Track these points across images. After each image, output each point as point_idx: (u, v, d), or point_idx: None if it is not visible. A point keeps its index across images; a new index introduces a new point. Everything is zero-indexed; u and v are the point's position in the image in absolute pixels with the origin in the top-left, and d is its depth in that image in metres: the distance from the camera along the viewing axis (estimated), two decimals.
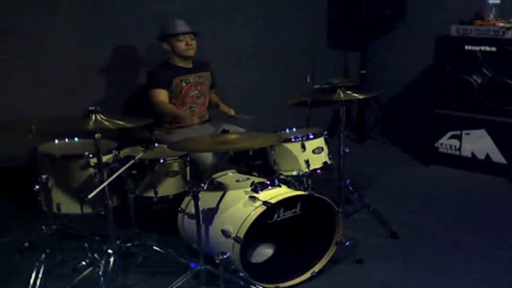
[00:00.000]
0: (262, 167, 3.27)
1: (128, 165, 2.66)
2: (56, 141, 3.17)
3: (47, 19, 3.75)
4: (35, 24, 3.71)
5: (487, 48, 4.21)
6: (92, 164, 2.79)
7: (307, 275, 2.85)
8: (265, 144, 3.08)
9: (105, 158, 2.77)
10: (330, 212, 2.87)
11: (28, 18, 3.67)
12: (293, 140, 3.28)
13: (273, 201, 2.67)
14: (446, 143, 4.58)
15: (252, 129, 3.43)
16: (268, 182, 2.87)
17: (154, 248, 2.99)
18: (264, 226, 2.67)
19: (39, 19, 3.72)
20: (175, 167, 3.10)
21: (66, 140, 3.20)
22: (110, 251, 2.74)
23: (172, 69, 3.67)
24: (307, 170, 3.28)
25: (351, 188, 3.55)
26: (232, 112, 3.78)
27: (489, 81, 4.28)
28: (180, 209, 3.02)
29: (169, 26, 3.62)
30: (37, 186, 2.89)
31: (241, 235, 2.59)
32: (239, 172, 3.20)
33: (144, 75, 3.84)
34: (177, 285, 2.63)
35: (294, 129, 3.51)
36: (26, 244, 3.11)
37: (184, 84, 3.67)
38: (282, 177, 3.18)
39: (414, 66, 5.08)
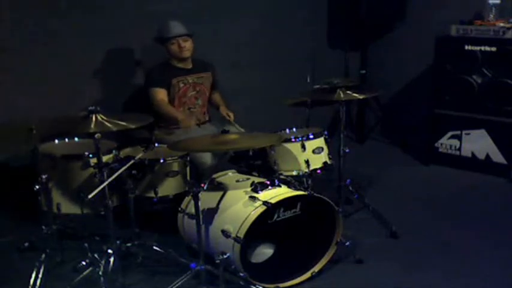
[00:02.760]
0: (262, 167, 3.27)
1: (128, 165, 2.66)
2: (56, 141, 3.18)
3: (47, 19, 3.75)
4: (35, 24, 3.71)
5: (487, 48, 4.21)
6: (92, 164, 2.79)
7: (307, 275, 2.84)
8: (265, 144, 3.08)
9: (105, 158, 2.76)
10: (330, 212, 2.87)
11: (28, 18, 3.67)
12: (293, 140, 3.28)
13: (273, 201, 2.67)
14: (446, 143, 4.57)
15: (252, 129, 3.43)
16: (268, 182, 2.87)
17: (154, 248, 2.99)
18: (264, 226, 2.67)
19: (39, 19, 3.72)
20: (175, 167, 3.10)
21: (66, 140, 3.21)
22: (110, 251, 2.73)
23: (170, 70, 3.67)
24: (307, 170, 3.28)
25: (351, 188, 3.55)
26: (231, 117, 3.78)
27: (489, 81, 4.27)
28: (180, 209, 3.02)
29: (163, 29, 3.62)
30: (37, 186, 2.89)
31: (241, 235, 2.59)
32: (239, 172, 3.20)
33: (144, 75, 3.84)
34: (177, 285, 2.63)
35: (294, 129, 3.52)
36: (26, 244, 3.12)
37: (182, 85, 3.66)
38: (282, 177, 3.19)
39: (414, 66, 5.07)
